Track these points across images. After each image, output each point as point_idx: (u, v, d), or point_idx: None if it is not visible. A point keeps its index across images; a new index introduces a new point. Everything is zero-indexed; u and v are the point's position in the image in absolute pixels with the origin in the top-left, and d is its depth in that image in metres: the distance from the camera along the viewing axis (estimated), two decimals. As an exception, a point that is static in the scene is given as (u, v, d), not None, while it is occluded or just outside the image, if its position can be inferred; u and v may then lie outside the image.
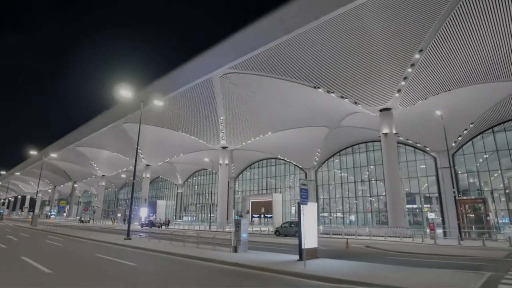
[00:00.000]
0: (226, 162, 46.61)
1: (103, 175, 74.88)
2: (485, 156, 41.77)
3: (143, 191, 59.80)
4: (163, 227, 46.79)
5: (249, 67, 29.87)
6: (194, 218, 77.05)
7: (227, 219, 59.58)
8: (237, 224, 15.78)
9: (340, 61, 27.32)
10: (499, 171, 40.62)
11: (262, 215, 62.93)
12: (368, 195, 50.78)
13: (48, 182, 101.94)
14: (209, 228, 44.06)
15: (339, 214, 54.42)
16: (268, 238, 26.05)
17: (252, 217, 63.83)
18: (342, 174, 54.34)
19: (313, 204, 14.32)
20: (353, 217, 52.58)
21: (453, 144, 42.62)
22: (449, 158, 43.23)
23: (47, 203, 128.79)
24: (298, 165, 59.00)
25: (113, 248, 17.33)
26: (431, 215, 28.19)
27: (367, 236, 28.76)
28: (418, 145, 44.66)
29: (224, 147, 45.82)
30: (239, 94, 35.14)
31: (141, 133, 50.86)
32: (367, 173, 50.97)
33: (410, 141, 44.71)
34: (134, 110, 40.11)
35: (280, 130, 44.50)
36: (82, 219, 60.34)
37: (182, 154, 58.25)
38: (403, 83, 27.00)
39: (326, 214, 55.52)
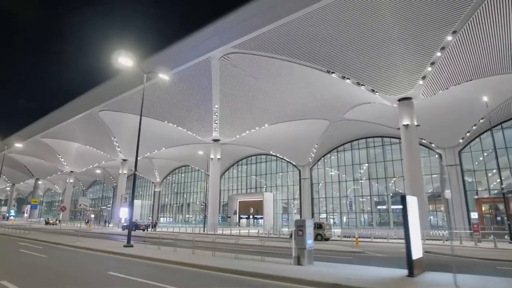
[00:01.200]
0: (218, 156, 43.98)
1: (72, 171, 70.05)
2: (493, 153, 41.42)
3: (120, 189, 56.05)
4: (149, 229, 43.58)
5: (255, 47, 27.53)
6: (171, 219, 73.86)
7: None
8: (299, 227, 12.50)
9: (359, 43, 25.51)
10: (509, 169, 40.38)
11: (251, 216, 60.76)
12: (368, 194, 49.63)
13: (5, 178, 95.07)
14: (204, 230, 41.39)
15: (336, 215, 53.06)
16: (280, 242, 23.56)
17: (240, 218, 61.54)
18: (340, 172, 52.97)
19: (413, 198, 11.89)
20: (351, 218, 51.35)
21: (460, 141, 42.03)
22: (456, 155, 43.37)
23: (2, 202, 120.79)
24: (291, 162, 57.14)
25: (121, 261, 14.09)
26: (474, 215, 26.95)
27: (384, 239, 27.08)
28: (423, 141, 43.77)
29: (215, 140, 43.13)
30: (238, 79, 32.71)
31: (117, 123, 47.70)
32: (367, 170, 49.76)
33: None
34: (114, 95, 36.73)
35: (278, 122, 42.40)
36: (50, 220, 55.65)
37: (164, 148, 54.98)
38: (429, 68, 25.52)
39: (323, 215, 54.03)
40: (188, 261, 12.71)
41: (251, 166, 64.15)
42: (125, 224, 43.43)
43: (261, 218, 58.55)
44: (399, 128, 30.82)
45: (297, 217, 56.77)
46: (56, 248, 18.43)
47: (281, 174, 59.91)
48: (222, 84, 33.43)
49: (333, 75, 28.65)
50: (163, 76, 21.80)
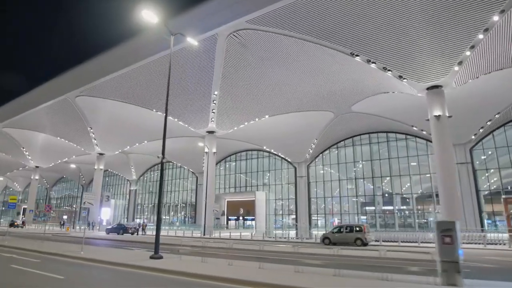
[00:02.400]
0: (214, 150, 41.28)
1: (37, 167, 64.98)
2: (508, 150, 41.01)
3: (95, 186, 52.24)
4: (140, 233, 40.19)
5: (272, 23, 25.15)
6: (146, 221, 70.26)
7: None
8: (447, 231, 9.77)
9: (389, 22, 23.71)
10: (523, 168, 40.04)
11: (241, 217, 58.34)
12: (372, 193, 48.35)
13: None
14: (203, 234, 38.63)
15: (336, 216, 51.52)
16: (310, 248, 20.91)
17: (228, 219, 58.97)
18: (340, 170, 51.41)
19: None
20: (353, 219, 49.96)
21: (473, 137, 41.38)
22: (467, 152, 42.73)
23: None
24: (286, 158, 55.10)
25: (168, 281, 10.96)
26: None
27: (414, 242, 25.36)
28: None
29: (210, 132, 40.37)
30: (244, 62, 30.25)
31: (95, 111, 43.72)
32: (370, 168, 48.40)
33: (424, 132, 42.69)
34: (98, 76, 33.28)
35: (279, 113, 40.28)
36: (16, 222, 50.71)
37: (146, 142, 51.55)
38: (468, 53, 24.02)
39: (321, 217, 52.38)
40: (255, 279, 10.08)
41: (241, 163, 61.65)
42: (110, 227, 40.06)
43: (252, 219, 56.18)
44: (427, 120, 29.29)
45: (292, 218, 55.08)
46: (59, 262, 14.93)
47: (274, 172, 57.79)
48: (226, 67, 30.82)
49: (357, 58, 26.78)
50: (192, 41, 18.93)
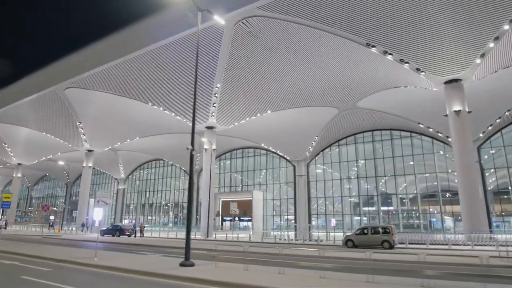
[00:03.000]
0: (214, 147, 39.95)
1: (19, 164, 62.56)
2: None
3: (84, 184, 50.36)
4: (138, 235, 38.34)
5: (284, 9, 24.02)
6: (133, 221, 68.48)
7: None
8: None
9: (408, 11, 22.85)
10: (533, 167, 39.85)
11: (237, 218, 57.10)
12: (375, 193, 47.72)
13: None
14: (206, 236, 37.22)
15: (337, 216, 50.79)
16: (338, 252, 19.74)
17: (223, 220, 57.69)
18: (342, 168, 50.65)
19: None
20: (355, 220, 49.33)
21: (481, 135, 41.00)
22: (475, 151, 42.33)
23: None
24: (285, 156, 54.10)
25: None
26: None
27: (443, 245, 24.36)
28: (440, 134, 42.37)
29: (209, 128, 39.03)
30: (251, 52, 29.08)
31: (85, 104, 41.71)
32: (373, 167, 47.74)
33: (430, 129, 42.18)
34: (91, 66, 31.62)
35: (282, 108, 39.23)
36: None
37: (137, 138, 49.95)
38: (491, 44, 23.33)
39: (322, 217, 51.59)
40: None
41: (236, 161, 60.45)
42: (104, 228, 38.41)
43: (249, 220, 55.02)
44: (446, 115, 28.57)
45: (290, 218, 54.15)
46: (74, 271, 13.12)
47: (272, 170, 56.75)
48: (231, 58, 29.57)
49: (373, 49, 25.87)
50: (219, 20, 17.52)
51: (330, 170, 51.34)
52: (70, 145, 49.06)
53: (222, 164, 61.81)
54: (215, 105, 34.52)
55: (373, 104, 39.64)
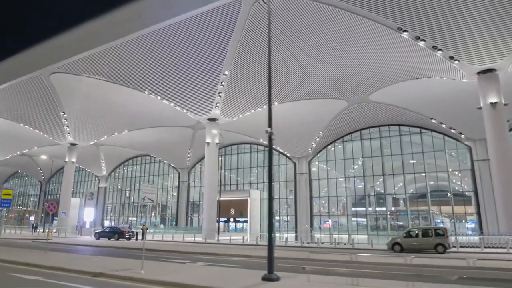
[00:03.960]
0: (217, 141, 38.17)
1: (-10, 159, 59.14)
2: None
3: (66, 182, 47.72)
4: (139, 238, 35.89)
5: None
6: (113, 223, 65.95)
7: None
8: None
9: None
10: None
11: (232, 219, 55.48)
12: (383, 192, 46.90)
13: None
14: (217, 239, 35.38)
15: (341, 217, 49.82)
16: (395, 257, 18.01)
17: (218, 221, 55.88)
18: (346, 166, 49.66)
19: None
20: (360, 222, 48.47)
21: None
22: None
23: None
24: (285, 153, 52.69)
25: None
26: None
27: (501, 248, 23.26)
28: (453, 131, 41.85)
29: (212, 119, 37.23)
30: (266, 35, 27.38)
31: (70, 92, 38.89)
32: (380, 165, 46.89)
33: (443, 125, 41.61)
34: (82, 48, 29.22)
35: (290, 100, 37.86)
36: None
37: (126, 131, 47.64)
38: (534, 31, 22.52)
39: (325, 218, 50.50)
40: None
41: (231, 158, 58.71)
42: (100, 230, 36.04)
43: (245, 221, 53.36)
44: (480, 108, 27.65)
45: (291, 219, 52.94)
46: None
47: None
48: (244, 43, 27.87)
49: (404, 34, 24.72)
50: None
51: (334, 168, 50.28)
52: (51, 138, 46.28)
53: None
54: (220, 94, 32.78)
55: (386, 97, 38.76)
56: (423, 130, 44.81)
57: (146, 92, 34.53)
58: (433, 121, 41.36)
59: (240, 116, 37.88)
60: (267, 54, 29.89)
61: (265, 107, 37.89)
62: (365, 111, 43.01)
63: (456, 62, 26.01)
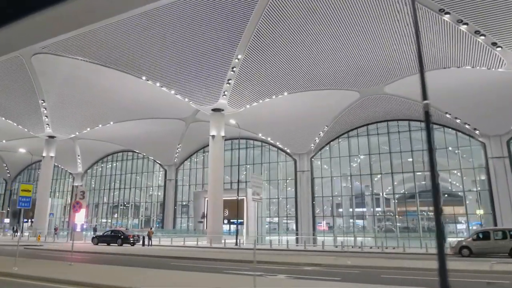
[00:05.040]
0: (222, 133, 36.30)
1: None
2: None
3: (43, 180, 44.71)
4: (146, 242, 33.46)
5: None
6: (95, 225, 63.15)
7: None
8: None
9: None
10: None
11: (226, 221, 53.67)
12: (390, 192, 46.23)
13: None
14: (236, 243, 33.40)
15: (346, 219, 48.93)
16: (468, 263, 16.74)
17: (229, 222, 53.95)
18: (352, 163, 48.73)
19: None
20: (365, 223, 47.72)
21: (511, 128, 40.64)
22: (504, 145, 41.91)
23: None
24: (285, 149, 51.30)
25: None
26: None
27: None
28: (468, 126, 41.56)
29: (217, 110, 35.35)
30: (287, 16, 25.92)
31: (51, 76, 35.90)
32: (389, 162, 46.14)
33: (458, 120, 41.19)
34: (73, 26, 26.78)
35: (302, 90, 36.50)
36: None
37: (111, 123, 45.10)
38: None
39: (329, 219, 49.48)
40: None
41: (224, 154, 56.57)
42: (99, 233, 33.40)
43: (240, 223, 51.53)
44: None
45: (292, 222, 51.67)
46: None
47: (267, 165, 53.80)
48: (263, 22, 26.14)
49: (446, 16, 23.66)
50: None
51: (339, 165, 49.25)
52: (26, 130, 43.20)
53: (207, 156, 58.03)
54: (230, 81, 30.95)
55: (401, 89, 37.99)
56: (434, 126, 44.28)
57: (144, 78, 32.31)
58: (448, 115, 40.85)
59: (247, 106, 36.18)
60: (285, 39, 28.61)
61: (274, 97, 36.74)
62: (376, 104, 42.15)
63: (499, 49, 25.24)
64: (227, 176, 56.24)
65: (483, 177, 42.26)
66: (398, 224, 45.72)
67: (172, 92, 33.43)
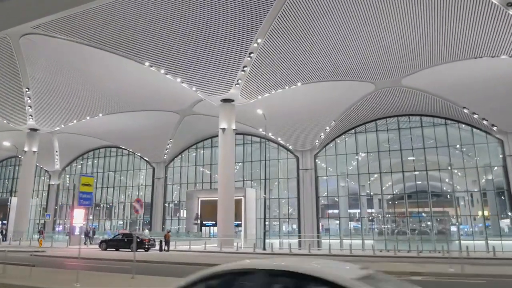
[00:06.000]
0: (233, 126, 34.78)
1: None
2: None
3: (24, 177, 42.17)
4: (163, 249, 31.23)
5: None
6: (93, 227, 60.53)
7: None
8: None
9: None
10: None
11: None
12: (402, 191, 45.66)
13: None
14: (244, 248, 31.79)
15: (353, 221, 48.20)
16: None
17: (203, 224, 52.43)
18: (360, 161, 47.96)
19: None
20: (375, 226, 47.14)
21: (530, 124, 40.64)
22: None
23: None
24: (287, 145, 50.07)
25: None
26: None
27: None
28: (485, 122, 41.34)
29: (227, 100, 33.80)
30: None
31: (39, 61, 33.40)
32: (400, 159, 45.54)
33: (476, 115, 40.87)
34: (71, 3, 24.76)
35: (316, 80, 35.40)
36: None
37: (100, 115, 42.95)
38: None
39: (336, 221, 48.62)
40: None
41: (218, 150, 55.21)
42: (108, 237, 31.21)
43: (238, 225, 50.05)
44: None
45: (294, 222, 50.60)
46: None
47: (266, 162, 52.20)
48: (289, 4, 24.77)
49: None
50: None
51: (345, 163, 48.42)
52: (5, 121, 40.60)
53: (200, 153, 56.51)
54: (245, 68, 29.43)
55: (419, 82, 37.42)
56: (448, 121, 44.00)
57: (147, 64, 30.39)
58: (465, 110, 40.50)
59: (259, 97, 34.76)
60: (307, 24, 27.43)
61: (287, 88, 35.49)
62: (391, 97, 41.45)
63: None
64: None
65: (500, 175, 42.15)
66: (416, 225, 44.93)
67: (178, 80, 31.64)
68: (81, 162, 63.13)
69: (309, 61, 31.69)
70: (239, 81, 30.84)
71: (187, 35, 28.19)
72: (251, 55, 28.40)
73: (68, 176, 63.77)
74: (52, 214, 61.70)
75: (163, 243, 30.98)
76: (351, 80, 37.34)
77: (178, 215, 56.02)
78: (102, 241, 31.91)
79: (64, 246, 34.24)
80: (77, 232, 33.65)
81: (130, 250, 28.89)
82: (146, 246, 30.07)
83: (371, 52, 32.29)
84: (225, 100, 33.93)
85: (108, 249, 30.00)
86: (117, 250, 29.88)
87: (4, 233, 41.61)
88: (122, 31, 28.36)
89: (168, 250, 30.77)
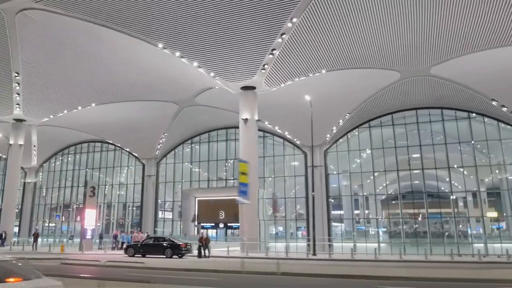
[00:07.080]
0: (256, 117, 33.07)
1: None
2: None
3: (11, 172, 39.56)
4: (203, 255, 28.54)
5: None
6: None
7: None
8: None
9: None
10: None
11: (222, 224, 50.59)
12: (422, 190, 44.77)
13: None
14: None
15: (369, 222, 47.26)
16: None
17: (202, 227, 50.74)
18: (375, 157, 46.89)
19: None
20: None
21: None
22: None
23: None
24: (294, 140, 48.60)
25: None
26: None
27: None
28: (513, 115, 40.81)
29: (248, 88, 32.15)
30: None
31: (33, 42, 30.39)
32: (420, 156, 44.70)
33: (505, 108, 40.30)
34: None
35: (339, 68, 34.10)
36: None
37: (93, 105, 40.65)
38: None
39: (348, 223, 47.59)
40: None
41: (218, 145, 53.47)
42: (134, 243, 29.13)
43: (237, 227, 48.35)
44: None
45: (302, 224, 49.40)
46: None
47: (271, 159, 50.94)
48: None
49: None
50: None
51: (359, 159, 47.38)
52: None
53: (196, 148, 54.54)
54: (274, 52, 27.75)
55: (447, 71, 36.67)
56: (471, 115, 43.43)
57: (160, 46, 28.37)
58: (494, 103, 39.93)
59: (282, 85, 33.19)
60: (346, 5, 26.13)
61: (311, 75, 34.03)
62: (415, 88, 40.39)
63: None
64: (224, 173, 53.17)
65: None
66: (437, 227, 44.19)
67: (195, 64, 29.65)
68: (61, 158, 60.19)
69: (339, 45, 30.36)
70: (265, 66, 29.13)
71: (208, 12, 26.25)
72: (283, 36, 26.72)
73: (46, 173, 60.68)
74: (29, 214, 58.90)
75: (202, 248, 28.31)
76: (377, 68, 36.23)
77: (172, 215, 54.00)
78: (128, 246, 29.71)
79: (77, 252, 31.90)
80: (88, 235, 31.41)
81: (163, 256, 26.99)
82: (183, 251, 27.93)
83: (402, 38, 31.25)
84: (246, 88, 32.23)
85: (136, 255, 27.80)
86: (143, 256, 27.77)
87: (3, 236, 38.50)
88: (134, 8, 26.31)
89: (207, 256, 28.18)
